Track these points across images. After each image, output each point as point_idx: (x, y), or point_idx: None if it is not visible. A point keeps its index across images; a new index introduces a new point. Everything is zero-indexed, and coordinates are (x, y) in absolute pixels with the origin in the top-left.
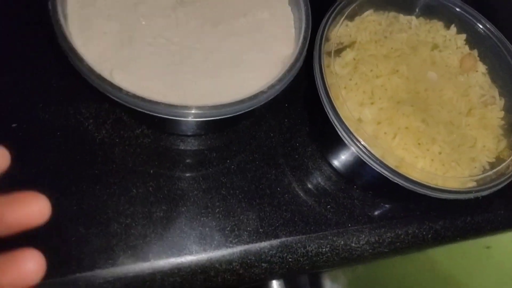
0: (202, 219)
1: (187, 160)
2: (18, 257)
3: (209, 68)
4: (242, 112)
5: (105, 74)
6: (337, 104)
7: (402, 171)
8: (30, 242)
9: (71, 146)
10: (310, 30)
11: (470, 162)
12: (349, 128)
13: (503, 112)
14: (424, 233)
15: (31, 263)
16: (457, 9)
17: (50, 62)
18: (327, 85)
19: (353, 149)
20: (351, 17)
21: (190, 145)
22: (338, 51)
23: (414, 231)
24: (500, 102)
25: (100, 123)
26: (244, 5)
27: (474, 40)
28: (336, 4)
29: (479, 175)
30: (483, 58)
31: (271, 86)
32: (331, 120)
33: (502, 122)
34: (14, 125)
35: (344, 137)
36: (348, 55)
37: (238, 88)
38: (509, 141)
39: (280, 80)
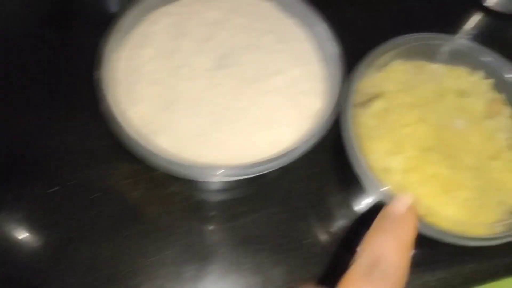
0: (230, 276)
1: (216, 214)
2: None
3: (243, 127)
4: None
5: (145, 137)
6: (362, 155)
7: (429, 220)
8: None
9: (108, 206)
10: (340, 81)
11: (497, 206)
12: (373, 178)
13: None
14: (453, 277)
15: None
16: (483, 55)
17: (93, 123)
18: (352, 136)
19: (378, 198)
20: (378, 68)
21: (219, 198)
22: (366, 102)
23: (444, 276)
24: None
25: (135, 182)
26: (279, 64)
27: (500, 85)
28: (366, 57)
29: (508, 220)
30: (508, 102)
31: (303, 143)
32: (355, 171)
33: None
34: (55, 188)
35: (369, 187)
36: (377, 105)
37: (271, 145)
38: None
39: (312, 135)
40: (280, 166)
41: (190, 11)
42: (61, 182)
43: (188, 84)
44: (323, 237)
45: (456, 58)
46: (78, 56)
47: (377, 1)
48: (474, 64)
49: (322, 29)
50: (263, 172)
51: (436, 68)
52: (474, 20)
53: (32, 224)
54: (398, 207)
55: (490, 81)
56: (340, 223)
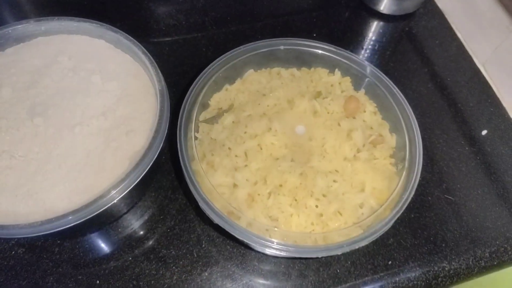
0: None
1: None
2: None
3: (63, 174)
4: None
5: None
6: (209, 172)
7: (274, 233)
8: None
9: None
10: (164, 123)
11: (356, 209)
12: (207, 200)
13: (393, 149)
14: None
15: None
16: (339, 56)
17: None
18: (186, 157)
19: (216, 221)
20: (231, 80)
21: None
22: (217, 117)
23: None
24: (392, 139)
25: None
26: (106, 104)
27: (359, 81)
28: (204, 71)
29: (363, 220)
30: (371, 96)
31: (115, 186)
32: (193, 193)
33: (393, 160)
34: None
35: (205, 210)
36: (226, 119)
37: (84, 193)
38: (404, 178)
39: (123, 180)
40: (78, 221)
41: (15, 60)
42: None
43: (7, 136)
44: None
45: (313, 60)
46: None
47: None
48: (331, 64)
49: (149, 63)
50: (52, 231)
51: (291, 72)
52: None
53: None
54: None
55: (348, 78)
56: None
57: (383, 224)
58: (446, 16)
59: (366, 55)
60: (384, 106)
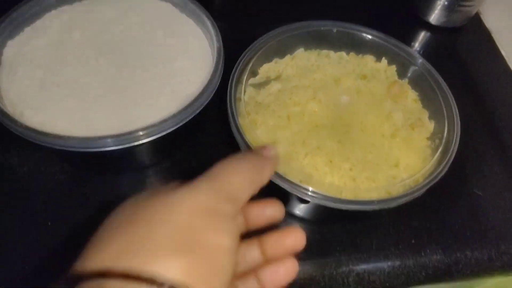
0: None
1: (100, 200)
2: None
3: (118, 107)
4: (132, 145)
5: (17, 114)
6: (252, 129)
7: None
8: None
9: None
10: (218, 77)
11: (389, 179)
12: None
13: (430, 133)
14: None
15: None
16: (389, 44)
17: None
18: (235, 111)
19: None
20: (281, 55)
21: (107, 184)
22: (265, 84)
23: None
24: (430, 125)
25: (25, 160)
26: (165, 55)
27: (404, 71)
28: (256, 41)
29: (394, 186)
30: (414, 86)
31: (164, 121)
32: (239, 142)
33: (429, 142)
34: None
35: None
36: (273, 87)
37: (145, 119)
38: (436, 160)
39: (174, 115)
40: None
41: (88, 10)
42: None
43: (68, 69)
44: None
45: (362, 46)
46: None
47: None
48: (379, 52)
49: (211, 25)
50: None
51: (340, 56)
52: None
53: None
54: (260, 151)
55: (394, 67)
56: None
57: (414, 190)
58: (492, 34)
59: None
60: (426, 96)
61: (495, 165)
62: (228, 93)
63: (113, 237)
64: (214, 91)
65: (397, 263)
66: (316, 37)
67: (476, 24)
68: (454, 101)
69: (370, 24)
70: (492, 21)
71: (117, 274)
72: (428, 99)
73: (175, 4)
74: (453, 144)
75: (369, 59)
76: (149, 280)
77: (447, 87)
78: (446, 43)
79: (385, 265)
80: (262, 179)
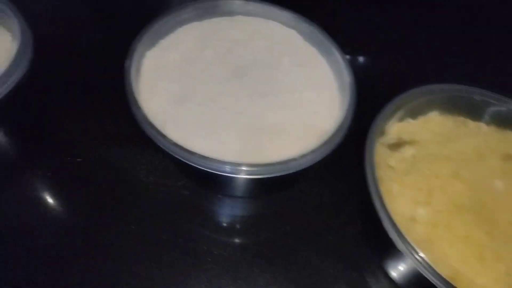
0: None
1: (219, 221)
2: None
3: (251, 132)
4: (266, 176)
5: (158, 125)
6: (387, 198)
7: (457, 285)
8: None
9: (120, 185)
10: (352, 107)
11: None
12: (398, 225)
13: None
14: None
15: None
16: None
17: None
18: (376, 176)
19: (401, 248)
20: (413, 116)
21: (227, 207)
22: (396, 146)
23: None
24: None
25: (150, 170)
26: (293, 84)
27: None
28: (393, 99)
29: None
30: None
31: (303, 156)
32: (379, 214)
33: None
34: (79, 159)
35: (391, 234)
36: (408, 151)
37: (274, 154)
38: None
39: (313, 151)
40: (271, 174)
41: (218, 29)
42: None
43: (203, 87)
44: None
45: (501, 118)
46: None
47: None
48: None
49: (339, 58)
50: (256, 176)
51: (479, 127)
52: None
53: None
54: None
55: None
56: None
57: None
58: None
59: None
60: None
61: None
62: (366, 154)
63: None
64: (347, 128)
65: None
66: (453, 101)
67: None
68: None
69: None
70: None
71: None
72: None
73: (300, 32)
74: None
75: None
76: None
77: None
78: None
79: None
80: None
